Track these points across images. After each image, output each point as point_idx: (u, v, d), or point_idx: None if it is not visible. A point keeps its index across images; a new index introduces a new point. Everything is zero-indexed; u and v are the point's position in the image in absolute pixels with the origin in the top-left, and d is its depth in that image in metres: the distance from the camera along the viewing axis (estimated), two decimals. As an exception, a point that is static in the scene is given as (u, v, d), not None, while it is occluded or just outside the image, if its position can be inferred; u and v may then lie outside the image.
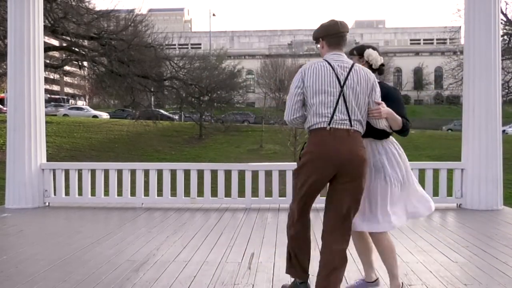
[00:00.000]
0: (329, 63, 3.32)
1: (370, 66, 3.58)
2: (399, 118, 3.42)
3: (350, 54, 3.67)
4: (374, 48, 3.64)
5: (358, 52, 3.65)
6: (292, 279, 3.73)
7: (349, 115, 3.25)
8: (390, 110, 3.39)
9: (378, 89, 3.38)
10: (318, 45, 3.51)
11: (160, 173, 8.27)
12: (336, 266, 3.34)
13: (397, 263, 3.69)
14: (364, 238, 3.75)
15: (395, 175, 3.47)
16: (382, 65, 3.61)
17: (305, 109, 3.37)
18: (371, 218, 3.51)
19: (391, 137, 3.61)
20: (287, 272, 3.66)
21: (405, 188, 3.55)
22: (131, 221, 7.05)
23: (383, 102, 3.37)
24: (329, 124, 3.24)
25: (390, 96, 3.48)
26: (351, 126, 3.26)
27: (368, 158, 3.35)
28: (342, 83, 3.26)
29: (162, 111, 41.48)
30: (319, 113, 3.27)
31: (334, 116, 3.24)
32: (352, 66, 3.33)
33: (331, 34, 3.40)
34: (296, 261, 3.55)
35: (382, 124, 3.40)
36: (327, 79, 3.27)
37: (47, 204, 8.30)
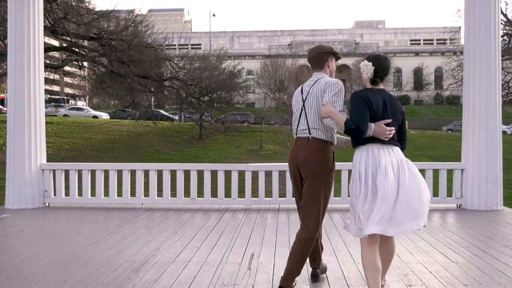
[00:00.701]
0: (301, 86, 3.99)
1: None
2: (340, 118, 3.51)
3: None
4: (377, 57, 3.56)
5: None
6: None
7: (308, 125, 3.79)
8: (331, 109, 3.60)
9: (328, 92, 3.71)
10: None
11: (160, 173, 8.28)
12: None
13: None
14: (386, 247, 3.66)
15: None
16: (375, 76, 3.51)
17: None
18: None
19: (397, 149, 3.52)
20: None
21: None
22: (131, 221, 7.05)
23: (326, 103, 3.65)
24: (295, 134, 3.92)
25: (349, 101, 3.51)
26: (309, 134, 3.78)
27: (327, 161, 3.74)
28: (304, 98, 3.87)
29: (162, 111, 41.50)
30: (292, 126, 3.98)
31: (298, 127, 3.88)
32: (316, 81, 3.84)
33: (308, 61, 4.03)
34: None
35: (326, 122, 3.67)
36: (295, 99, 3.98)
37: (47, 204, 8.30)
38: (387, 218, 3.31)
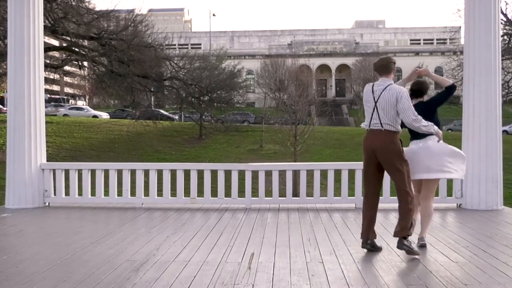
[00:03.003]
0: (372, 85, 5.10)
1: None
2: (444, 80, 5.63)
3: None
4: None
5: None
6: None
7: (380, 120, 4.91)
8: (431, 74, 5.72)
9: (401, 102, 4.82)
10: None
11: (160, 173, 8.27)
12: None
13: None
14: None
15: None
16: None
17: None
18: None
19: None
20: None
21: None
22: (131, 221, 7.05)
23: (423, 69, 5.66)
24: (368, 126, 5.04)
25: None
26: (381, 127, 4.91)
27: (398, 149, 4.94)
28: (376, 99, 4.97)
29: (162, 111, 41.49)
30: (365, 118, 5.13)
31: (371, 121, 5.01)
32: (386, 87, 4.92)
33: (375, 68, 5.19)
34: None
35: (425, 128, 5.00)
36: (366, 96, 5.07)
37: (47, 204, 8.30)
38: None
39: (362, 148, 5.14)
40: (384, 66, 5.05)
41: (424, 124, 4.84)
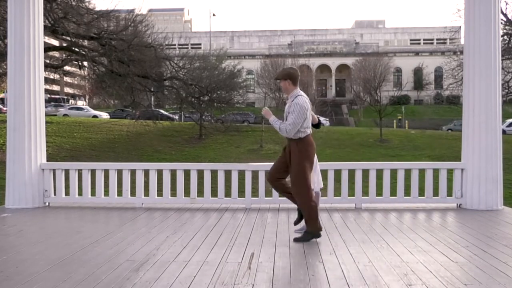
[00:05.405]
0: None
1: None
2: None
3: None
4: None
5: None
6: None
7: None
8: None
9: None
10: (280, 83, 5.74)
11: (160, 173, 8.27)
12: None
13: None
14: None
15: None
16: None
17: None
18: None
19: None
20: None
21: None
22: (131, 221, 7.05)
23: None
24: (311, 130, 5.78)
25: None
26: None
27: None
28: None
29: (162, 111, 41.46)
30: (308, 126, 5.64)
31: None
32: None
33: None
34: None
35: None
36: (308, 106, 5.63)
37: (47, 204, 8.30)
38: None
39: (312, 149, 5.64)
40: (298, 77, 5.67)
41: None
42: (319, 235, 5.63)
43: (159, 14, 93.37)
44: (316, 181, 5.79)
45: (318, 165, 5.86)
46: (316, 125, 5.88)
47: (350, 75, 62.47)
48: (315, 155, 5.82)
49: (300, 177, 5.53)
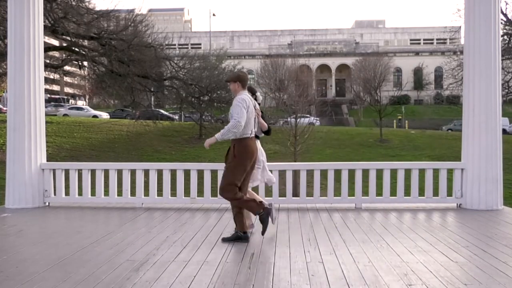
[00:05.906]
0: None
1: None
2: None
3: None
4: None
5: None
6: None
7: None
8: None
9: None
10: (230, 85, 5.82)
11: (160, 173, 8.27)
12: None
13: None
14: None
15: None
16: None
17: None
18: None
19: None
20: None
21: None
22: (131, 221, 7.05)
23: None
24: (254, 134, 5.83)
25: None
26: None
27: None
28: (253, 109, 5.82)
29: (162, 111, 41.45)
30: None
31: None
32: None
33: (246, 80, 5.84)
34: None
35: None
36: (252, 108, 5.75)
37: (47, 204, 8.30)
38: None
39: (248, 154, 5.63)
40: (247, 81, 5.84)
41: None
42: (246, 238, 5.65)
43: (159, 14, 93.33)
44: (259, 178, 6.11)
45: (265, 162, 6.27)
46: (266, 132, 6.17)
47: (350, 75, 62.49)
48: (263, 153, 6.19)
49: (228, 176, 5.63)
